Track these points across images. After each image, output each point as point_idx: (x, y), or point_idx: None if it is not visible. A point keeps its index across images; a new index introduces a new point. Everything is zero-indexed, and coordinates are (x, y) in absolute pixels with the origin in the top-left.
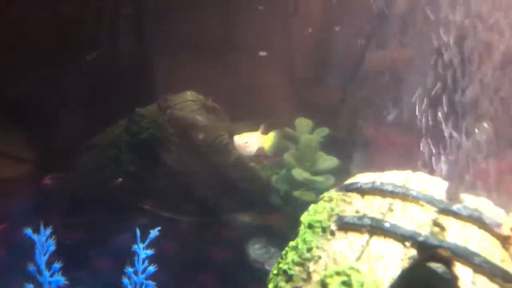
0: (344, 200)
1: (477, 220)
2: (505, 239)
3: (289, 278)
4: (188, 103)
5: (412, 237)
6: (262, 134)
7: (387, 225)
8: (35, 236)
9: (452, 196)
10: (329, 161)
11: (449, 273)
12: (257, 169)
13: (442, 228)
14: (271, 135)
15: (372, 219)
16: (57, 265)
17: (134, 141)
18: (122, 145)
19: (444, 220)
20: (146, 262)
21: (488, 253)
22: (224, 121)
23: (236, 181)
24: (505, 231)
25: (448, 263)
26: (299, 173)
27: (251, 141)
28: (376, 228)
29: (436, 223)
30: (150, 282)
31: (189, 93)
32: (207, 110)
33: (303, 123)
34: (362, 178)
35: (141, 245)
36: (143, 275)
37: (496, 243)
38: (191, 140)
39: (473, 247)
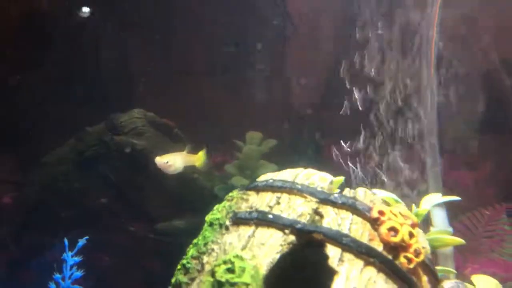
0: (242, 198)
1: (351, 207)
2: (374, 221)
3: (186, 271)
4: (134, 120)
5: (291, 225)
6: (188, 153)
7: (270, 216)
8: None
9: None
10: (270, 168)
11: (322, 254)
12: (201, 180)
13: (321, 216)
14: (202, 153)
15: (259, 212)
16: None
17: (80, 158)
18: (69, 162)
19: (323, 208)
20: (74, 269)
21: (357, 234)
22: (177, 139)
23: (179, 192)
24: (374, 214)
25: (322, 245)
26: (238, 180)
27: (174, 161)
28: (261, 220)
29: (316, 212)
30: (77, 286)
31: (136, 111)
32: (155, 127)
33: (253, 136)
34: (262, 178)
35: (70, 253)
36: (70, 280)
37: (367, 225)
38: (132, 159)
39: (344, 229)
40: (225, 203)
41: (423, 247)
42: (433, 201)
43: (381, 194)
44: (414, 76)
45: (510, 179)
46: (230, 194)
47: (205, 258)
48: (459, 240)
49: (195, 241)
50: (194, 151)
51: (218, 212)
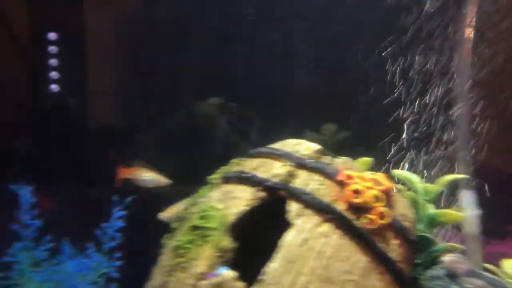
0: (237, 163)
1: (320, 170)
2: (339, 183)
3: (178, 219)
4: (209, 107)
5: (262, 183)
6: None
7: (247, 175)
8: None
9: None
10: None
11: (285, 209)
12: None
13: (294, 177)
14: None
15: (241, 172)
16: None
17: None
18: None
19: (297, 172)
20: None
21: (321, 194)
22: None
23: None
24: (340, 177)
25: (286, 202)
26: None
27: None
28: (240, 178)
29: (290, 174)
30: (119, 234)
31: (213, 99)
32: (235, 117)
33: (328, 127)
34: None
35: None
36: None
37: (334, 188)
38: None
39: (309, 189)
40: (225, 167)
41: (403, 214)
42: (447, 180)
43: (399, 172)
44: None
45: None
46: (231, 160)
47: (193, 209)
48: (461, 216)
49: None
50: None
51: (216, 174)
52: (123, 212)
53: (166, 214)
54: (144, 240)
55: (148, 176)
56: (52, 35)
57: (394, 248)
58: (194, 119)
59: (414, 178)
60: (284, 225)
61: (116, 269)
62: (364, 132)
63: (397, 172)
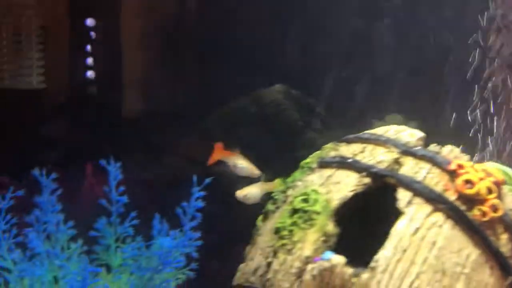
0: (333, 148)
1: (430, 158)
2: (451, 173)
3: (274, 201)
4: (274, 93)
5: (367, 169)
6: (264, 182)
7: (350, 160)
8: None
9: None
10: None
11: (393, 197)
12: None
13: (400, 165)
14: (279, 181)
15: (341, 157)
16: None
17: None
18: None
19: (404, 159)
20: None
21: (431, 183)
22: (317, 118)
23: None
24: (452, 166)
25: (394, 190)
26: None
27: (251, 193)
28: (341, 163)
29: (396, 161)
30: (198, 214)
31: (277, 86)
32: (298, 106)
33: (393, 118)
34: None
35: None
36: (193, 209)
37: (444, 177)
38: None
39: (419, 178)
40: (318, 152)
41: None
42: None
43: (495, 165)
44: None
45: None
46: (325, 146)
47: (289, 192)
48: None
49: (286, 180)
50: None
51: (310, 158)
52: (204, 193)
53: (242, 193)
54: (223, 221)
55: (243, 164)
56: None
57: (504, 243)
58: (260, 105)
59: None
60: (381, 214)
61: (196, 249)
62: (438, 124)
63: (492, 164)
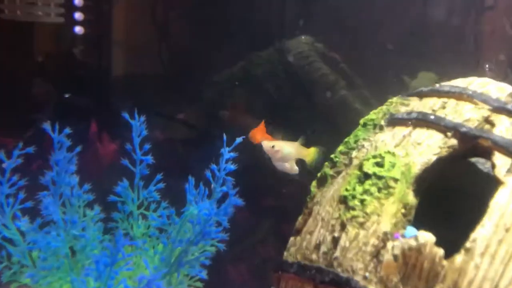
0: (403, 103)
1: None
2: None
3: (333, 165)
4: (301, 45)
5: (454, 127)
6: (300, 145)
7: (432, 117)
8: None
9: None
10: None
11: (487, 164)
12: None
13: (492, 124)
14: (313, 151)
15: (419, 113)
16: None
17: (247, 76)
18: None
19: (496, 117)
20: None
21: None
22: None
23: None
24: None
25: (488, 154)
26: None
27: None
28: (421, 120)
29: (486, 120)
30: (229, 178)
31: (303, 37)
32: (322, 58)
33: (425, 76)
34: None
35: (227, 148)
36: (224, 172)
37: None
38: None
39: None
40: (383, 107)
41: None
42: None
43: None
44: None
45: None
46: (389, 100)
47: (354, 153)
48: None
49: (345, 140)
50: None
51: (373, 114)
52: (234, 154)
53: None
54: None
55: (283, 159)
56: None
57: None
58: (286, 57)
59: None
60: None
61: (229, 219)
62: None
63: None
